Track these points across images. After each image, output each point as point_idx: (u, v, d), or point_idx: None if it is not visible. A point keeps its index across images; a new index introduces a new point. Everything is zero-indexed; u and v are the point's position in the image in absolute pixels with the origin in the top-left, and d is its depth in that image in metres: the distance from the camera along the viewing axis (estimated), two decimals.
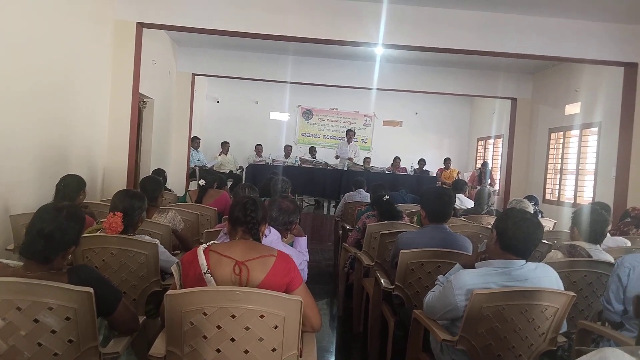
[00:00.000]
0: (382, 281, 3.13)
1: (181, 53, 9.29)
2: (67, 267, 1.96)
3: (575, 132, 8.30)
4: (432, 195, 3.19)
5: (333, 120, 13.13)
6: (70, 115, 5.06)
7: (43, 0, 4.41)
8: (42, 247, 1.84)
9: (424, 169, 10.77)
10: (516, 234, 2.18)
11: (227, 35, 6.40)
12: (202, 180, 4.96)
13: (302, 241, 2.94)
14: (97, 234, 2.76)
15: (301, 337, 1.92)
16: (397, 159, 10.86)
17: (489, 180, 10.00)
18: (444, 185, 9.42)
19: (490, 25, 6.22)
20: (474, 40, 6.27)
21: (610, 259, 2.96)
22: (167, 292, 1.81)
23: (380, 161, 11.41)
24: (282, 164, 9.82)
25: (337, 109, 13.06)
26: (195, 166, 10.02)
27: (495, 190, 10.02)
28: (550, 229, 5.18)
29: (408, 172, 10.45)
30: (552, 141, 8.98)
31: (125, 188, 4.50)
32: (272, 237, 2.50)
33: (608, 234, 3.50)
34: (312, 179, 9.51)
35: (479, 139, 12.59)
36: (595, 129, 7.72)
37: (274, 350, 1.83)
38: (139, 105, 7.11)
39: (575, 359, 1.22)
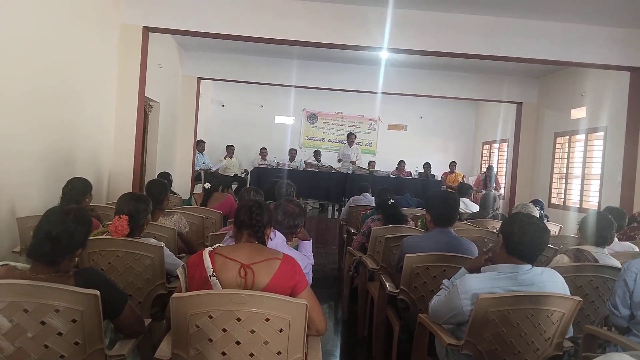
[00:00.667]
0: (387, 285, 3.12)
1: (187, 57, 9.34)
2: (74, 270, 1.97)
3: (581, 137, 8.27)
4: (437, 199, 3.19)
5: (338, 124, 13.14)
6: (76, 119, 5.09)
7: (50, 4, 4.45)
8: (49, 250, 1.85)
9: (429, 173, 10.75)
10: (522, 239, 2.17)
11: (233, 39, 6.44)
12: (207, 183, 4.98)
13: (307, 245, 2.94)
14: (103, 236, 2.77)
15: (306, 341, 1.92)
16: (401, 163, 10.85)
17: (494, 185, 9.97)
18: (449, 189, 9.40)
19: (496, 29, 6.22)
20: (479, 44, 6.27)
21: (617, 263, 2.94)
22: (173, 295, 1.82)
23: (385, 165, 11.37)
24: (286, 168, 9.81)
25: (341, 113, 13.07)
26: (201, 169, 10.05)
27: (501, 195, 9.99)
28: (556, 233, 5.15)
29: (413, 176, 10.43)
30: (557, 145, 8.95)
31: (130, 191, 4.52)
32: (277, 240, 2.51)
33: (616, 238, 3.48)
34: (317, 183, 9.50)
35: (484, 143, 12.56)
36: (601, 134, 7.69)
37: (279, 353, 1.83)
38: (145, 108, 7.14)
39: None
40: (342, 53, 8.15)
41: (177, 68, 9.00)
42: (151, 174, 7.49)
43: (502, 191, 10.36)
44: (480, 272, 2.35)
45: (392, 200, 4.40)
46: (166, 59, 8.15)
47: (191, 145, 9.58)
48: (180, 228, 3.56)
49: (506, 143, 10.98)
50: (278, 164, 10.27)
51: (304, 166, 10.16)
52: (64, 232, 1.87)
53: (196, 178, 9.75)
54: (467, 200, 6.59)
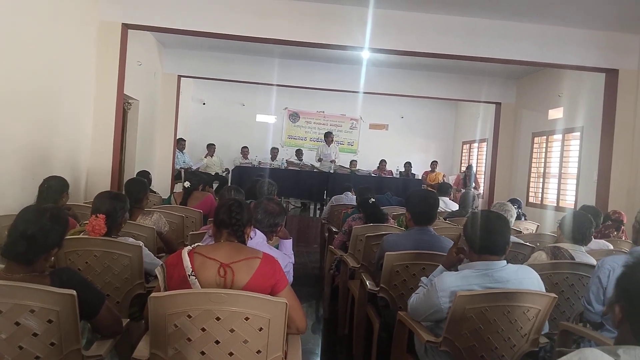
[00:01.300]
0: (367, 283, 3.14)
1: (167, 54, 9.24)
2: (50, 270, 1.94)
3: (558, 137, 8.42)
4: (417, 198, 3.22)
5: (320, 123, 13.15)
6: (54, 117, 5.01)
7: (26, 1, 4.36)
8: (25, 249, 1.82)
9: (410, 172, 10.83)
10: (483, 236, 2.22)
11: (214, 37, 6.39)
12: (187, 182, 4.93)
13: (288, 243, 2.94)
14: (80, 236, 2.73)
15: (286, 339, 1.93)
16: (383, 162, 10.91)
17: (474, 184, 10.09)
18: (429, 189, 9.48)
19: (475, 31, 6.30)
20: (459, 45, 6.34)
21: (592, 261, 3.01)
22: (151, 295, 1.80)
23: (367, 164, 11.44)
24: (268, 167, 9.80)
25: (323, 112, 13.09)
26: (181, 168, 9.96)
27: (480, 194, 10.11)
28: (533, 231, 5.24)
29: (394, 175, 10.50)
30: (535, 145, 9.10)
31: (108, 190, 4.46)
32: (257, 239, 2.50)
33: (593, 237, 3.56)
34: (299, 182, 9.50)
35: (464, 143, 12.71)
36: (578, 134, 7.84)
37: (258, 352, 1.83)
38: (124, 106, 7.05)
39: None
40: (323, 52, 8.16)
41: (156, 66, 8.90)
42: (130, 173, 7.40)
43: (481, 190, 10.49)
44: (456, 268, 2.40)
45: (372, 199, 4.43)
46: (145, 56, 8.05)
47: (171, 144, 9.48)
48: (160, 227, 3.53)
49: (485, 143, 11.12)
50: (260, 162, 10.24)
51: (285, 165, 10.15)
52: (39, 232, 1.84)
53: (176, 177, 9.66)
54: (446, 199, 6.66)
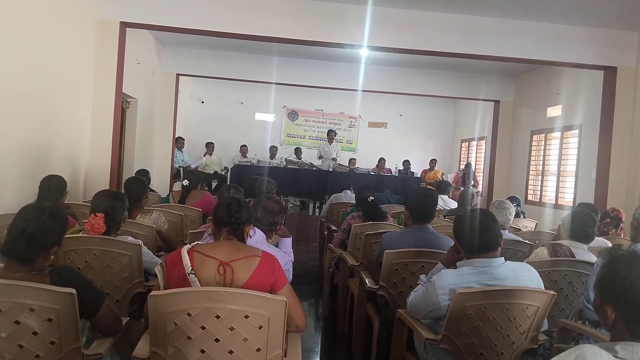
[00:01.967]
0: (366, 281, 3.15)
1: (165, 53, 9.23)
2: (49, 268, 1.94)
3: (557, 134, 8.43)
4: (416, 196, 3.22)
5: (318, 121, 13.15)
6: (53, 116, 5.00)
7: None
8: (24, 248, 1.82)
9: (409, 170, 10.83)
10: (475, 237, 2.24)
11: (212, 35, 6.38)
12: (185, 180, 4.93)
13: (287, 242, 2.94)
14: (80, 234, 2.73)
15: (286, 338, 1.93)
16: (382, 160, 10.91)
17: (472, 182, 10.10)
18: (428, 187, 9.49)
19: (474, 28, 6.30)
20: (458, 43, 6.34)
21: (593, 258, 3.01)
22: (151, 293, 1.80)
23: (365, 162, 11.45)
24: (267, 165, 9.80)
25: (322, 110, 13.08)
26: (180, 167, 9.95)
27: (479, 192, 10.12)
28: (532, 229, 5.25)
29: (393, 173, 10.50)
30: (534, 143, 9.11)
31: (107, 188, 4.46)
32: (256, 237, 2.50)
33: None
34: (298, 180, 9.50)
35: (463, 141, 12.71)
36: (576, 131, 7.85)
37: (258, 350, 1.83)
38: (122, 105, 7.04)
39: (555, 356, 1.25)
40: (322, 50, 8.15)
41: (155, 64, 8.89)
42: (129, 172, 7.39)
43: (480, 188, 10.50)
44: (454, 265, 2.40)
45: (371, 198, 4.43)
46: (144, 55, 8.04)
47: (170, 142, 9.47)
48: (159, 226, 3.53)
49: (484, 140, 11.13)
50: (259, 161, 10.24)
51: (284, 163, 10.15)
52: (39, 230, 1.84)
53: (175, 175, 9.65)
54: (445, 197, 6.66)
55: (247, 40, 6.58)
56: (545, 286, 2.37)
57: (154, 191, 6.05)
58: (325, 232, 5.96)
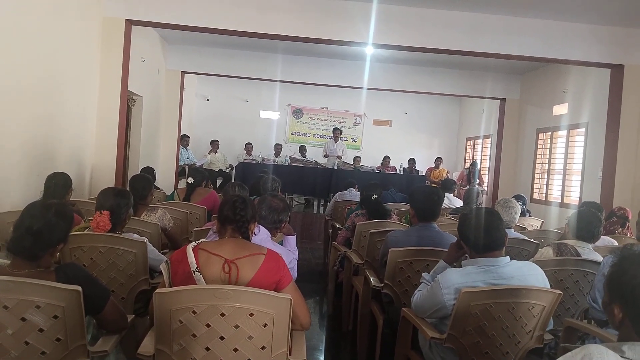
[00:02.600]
0: (371, 279, 3.14)
1: (170, 50, 9.24)
2: (55, 266, 1.95)
3: (563, 133, 8.38)
4: (421, 194, 3.21)
5: (323, 119, 13.13)
6: (58, 113, 5.02)
7: None
8: (31, 244, 1.82)
9: (414, 168, 10.81)
10: (482, 235, 2.23)
11: (217, 33, 6.38)
12: (190, 178, 4.94)
13: (292, 240, 2.94)
14: (85, 232, 2.74)
15: (291, 335, 1.93)
16: (386, 158, 10.89)
17: (478, 180, 10.07)
18: (433, 185, 9.47)
19: (479, 26, 6.27)
20: (463, 40, 6.31)
21: (598, 257, 2.99)
22: (156, 291, 1.81)
23: (370, 160, 11.43)
24: (272, 163, 9.78)
25: (327, 108, 13.07)
26: (185, 164, 9.97)
27: (484, 190, 10.09)
28: (538, 228, 5.22)
29: (398, 172, 10.48)
30: (539, 141, 9.07)
31: (112, 186, 4.47)
32: (261, 235, 2.50)
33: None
34: (302, 178, 9.49)
35: (468, 139, 12.67)
36: (582, 130, 7.81)
37: (263, 348, 1.83)
38: (128, 103, 7.06)
39: (561, 356, 1.24)
40: (327, 48, 8.14)
41: (160, 62, 8.90)
42: (134, 169, 7.41)
43: (485, 186, 10.47)
44: (457, 262, 2.40)
45: (375, 196, 4.41)
46: (149, 52, 8.06)
47: (175, 140, 9.50)
48: (164, 223, 3.54)
49: (489, 139, 11.09)
50: (263, 159, 10.23)
51: (289, 161, 10.14)
52: (45, 227, 1.85)
53: (180, 173, 9.67)
54: (450, 195, 6.65)
55: (252, 37, 6.57)
56: (551, 285, 2.36)
57: (159, 189, 6.07)
58: (330, 230, 5.96)
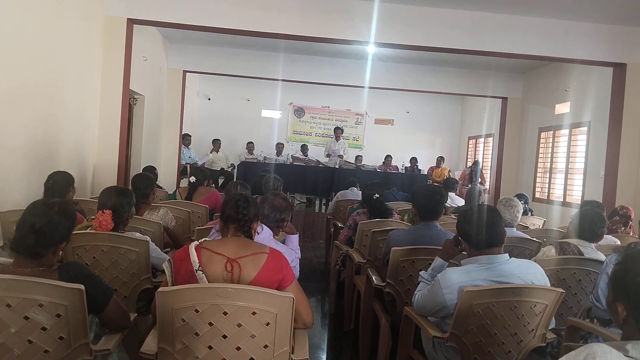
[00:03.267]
0: (373, 278, 3.14)
1: (172, 50, 9.25)
2: (58, 264, 1.95)
3: (565, 132, 8.37)
4: (423, 193, 3.21)
5: (325, 118, 13.13)
6: (60, 112, 5.02)
7: None
8: (33, 243, 1.83)
9: (416, 167, 10.80)
10: (483, 232, 2.22)
11: (219, 32, 6.39)
12: (192, 177, 4.94)
13: (294, 238, 2.94)
14: (88, 231, 2.74)
15: (293, 334, 1.93)
16: (388, 157, 10.88)
17: (480, 179, 10.05)
18: (435, 184, 9.46)
19: (481, 24, 6.26)
20: (465, 39, 6.30)
21: (601, 257, 2.99)
22: (159, 289, 1.81)
23: (372, 159, 11.43)
24: (273, 162, 9.79)
25: (328, 107, 13.06)
26: (187, 163, 9.98)
27: (486, 189, 10.08)
28: (540, 227, 5.22)
29: (399, 171, 10.47)
30: (542, 140, 9.06)
31: (114, 185, 4.47)
32: (264, 234, 2.50)
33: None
34: (304, 177, 9.50)
35: (470, 138, 12.65)
36: (585, 129, 7.79)
37: (266, 347, 1.83)
38: (130, 102, 7.06)
39: (564, 355, 1.24)
40: (329, 47, 8.14)
41: (162, 61, 8.90)
42: (136, 168, 7.42)
43: (487, 185, 10.46)
44: (455, 259, 2.39)
45: (377, 195, 4.40)
46: (151, 51, 8.06)
47: (177, 139, 9.50)
48: (167, 222, 3.54)
49: (491, 138, 11.07)
50: (265, 158, 10.24)
51: (291, 160, 10.14)
52: (48, 225, 1.85)
53: (182, 172, 9.68)
54: (452, 194, 6.64)
55: (254, 37, 6.58)
56: (552, 284, 2.36)
57: (161, 188, 6.07)
58: (332, 229, 5.96)
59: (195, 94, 12.11)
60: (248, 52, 9.21)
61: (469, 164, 11.70)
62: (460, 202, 6.39)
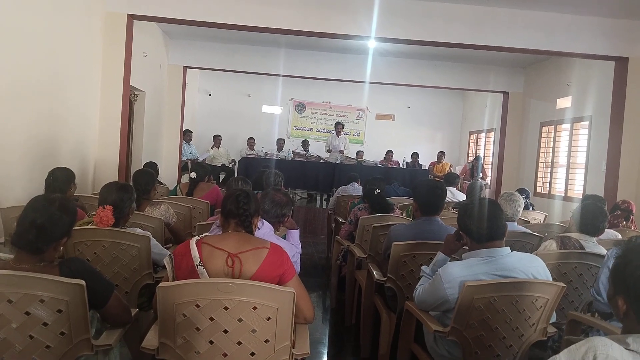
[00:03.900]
0: (374, 273, 3.14)
1: (173, 45, 9.23)
2: (59, 260, 1.95)
3: (567, 126, 8.35)
4: (425, 188, 3.20)
5: (326, 113, 13.11)
6: (60, 109, 5.02)
7: None
8: (35, 238, 1.83)
9: (417, 162, 10.79)
10: (484, 225, 2.22)
11: (219, 27, 6.36)
12: (193, 173, 4.94)
13: (295, 234, 2.94)
14: (89, 226, 2.75)
15: (294, 329, 1.93)
16: (389, 153, 10.87)
17: (481, 174, 10.04)
18: (436, 179, 9.44)
19: (483, 19, 6.23)
20: (466, 33, 6.28)
21: (603, 251, 2.99)
22: (160, 285, 1.81)
23: (373, 155, 11.41)
24: (274, 157, 9.79)
25: (329, 103, 13.04)
26: (188, 159, 9.98)
27: (487, 184, 10.07)
28: (541, 221, 5.21)
29: (400, 166, 10.46)
30: (543, 135, 9.03)
31: (116, 181, 4.47)
32: (264, 229, 2.50)
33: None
34: (305, 172, 9.50)
35: (471, 133, 12.63)
36: (586, 123, 7.77)
37: (266, 341, 1.83)
38: (130, 98, 7.06)
39: (565, 349, 1.25)
40: (330, 42, 8.11)
41: (162, 57, 8.89)
42: (137, 164, 7.42)
43: (488, 180, 10.44)
44: (456, 254, 2.39)
45: (378, 191, 4.40)
46: (151, 47, 8.05)
47: (178, 135, 9.50)
48: (168, 218, 3.54)
49: (493, 133, 11.05)
50: (266, 153, 10.24)
51: (292, 156, 10.14)
52: (49, 220, 1.85)
53: (183, 168, 9.69)
54: (454, 189, 6.63)
55: (254, 32, 6.56)
56: (554, 278, 2.36)
57: (162, 184, 6.07)
58: (333, 225, 5.96)
59: (196, 90, 12.10)
60: (249, 48, 9.19)
61: (470, 159, 11.68)
62: (462, 197, 6.39)
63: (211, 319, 1.80)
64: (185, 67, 9.49)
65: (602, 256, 2.83)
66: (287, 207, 2.78)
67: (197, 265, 1.92)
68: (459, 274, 2.19)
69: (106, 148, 5.94)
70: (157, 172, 5.38)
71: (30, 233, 1.82)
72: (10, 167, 4.20)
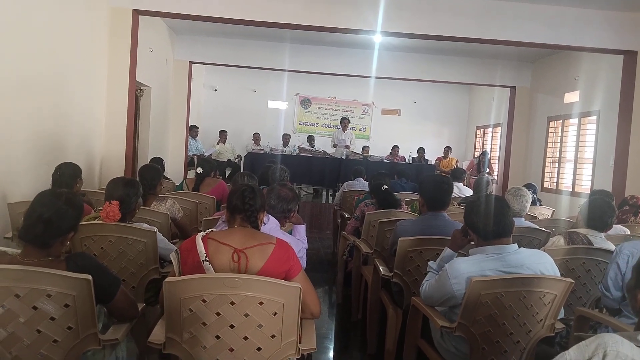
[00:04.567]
0: (380, 269, 3.13)
1: (178, 41, 9.23)
2: (66, 255, 1.96)
3: (574, 121, 8.28)
4: (431, 183, 3.19)
5: (331, 108, 13.08)
6: (66, 104, 5.03)
7: None
8: (42, 232, 1.83)
9: (423, 157, 10.75)
10: (492, 222, 2.20)
11: (225, 22, 6.35)
12: (199, 168, 4.94)
13: (301, 229, 2.93)
14: (95, 221, 2.75)
15: (300, 324, 1.93)
16: (395, 148, 10.84)
17: (488, 169, 9.99)
18: (442, 174, 9.41)
19: (490, 12, 6.18)
20: (473, 28, 6.23)
21: (611, 246, 2.96)
22: (166, 279, 1.81)
23: (379, 150, 11.38)
24: (280, 153, 9.79)
25: (335, 98, 13.01)
26: (194, 155, 10.00)
27: (494, 179, 10.02)
28: (549, 217, 5.18)
29: (407, 161, 10.43)
30: (550, 130, 8.97)
31: (121, 176, 4.48)
32: (270, 225, 2.49)
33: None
34: (311, 168, 9.49)
35: (478, 128, 12.57)
36: (594, 118, 7.71)
37: (273, 336, 1.83)
38: (136, 93, 7.07)
39: (574, 345, 1.23)
40: (335, 37, 8.07)
41: (168, 52, 8.89)
42: (143, 159, 7.44)
43: (495, 175, 10.40)
44: (463, 249, 2.37)
45: (385, 186, 4.38)
46: (157, 42, 8.05)
47: (184, 131, 9.52)
48: (174, 213, 3.54)
49: (500, 127, 10.98)
50: (272, 149, 10.23)
51: (297, 151, 10.13)
52: (55, 215, 1.86)
53: (189, 163, 9.71)
54: (460, 184, 6.60)
55: (260, 27, 6.54)
56: (562, 274, 2.34)
57: (168, 179, 6.08)
58: (339, 220, 5.95)
59: (202, 86, 12.10)
60: (254, 43, 9.17)
61: (477, 154, 11.63)
62: (468, 192, 6.36)
63: (217, 314, 1.80)
64: (191, 63, 9.49)
65: (611, 252, 2.80)
66: (293, 203, 2.78)
67: (203, 261, 1.92)
68: (466, 269, 2.17)
69: (112, 143, 5.95)
70: (163, 167, 5.38)
71: (38, 227, 1.83)
72: (17, 163, 4.22)
